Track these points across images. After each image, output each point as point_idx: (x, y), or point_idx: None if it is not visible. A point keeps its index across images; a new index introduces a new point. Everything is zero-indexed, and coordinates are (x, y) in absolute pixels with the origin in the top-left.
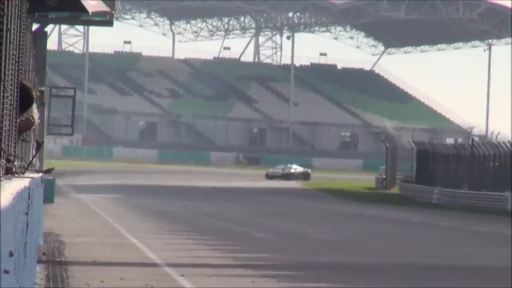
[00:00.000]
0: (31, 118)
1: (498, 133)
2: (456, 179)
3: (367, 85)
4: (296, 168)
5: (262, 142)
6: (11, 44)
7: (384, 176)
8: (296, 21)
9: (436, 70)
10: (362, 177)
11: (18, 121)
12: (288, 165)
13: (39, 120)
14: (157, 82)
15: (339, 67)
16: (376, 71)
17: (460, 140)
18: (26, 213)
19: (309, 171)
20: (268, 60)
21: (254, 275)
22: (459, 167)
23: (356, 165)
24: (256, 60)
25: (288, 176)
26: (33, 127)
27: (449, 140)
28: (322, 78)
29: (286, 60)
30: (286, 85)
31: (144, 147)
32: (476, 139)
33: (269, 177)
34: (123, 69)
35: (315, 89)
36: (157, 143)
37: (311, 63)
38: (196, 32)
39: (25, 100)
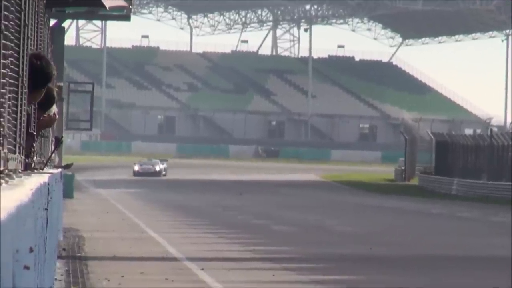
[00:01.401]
0: (52, 115)
1: None
2: (475, 169)
3: (385, 77)
4: (159, 163)
5: (280, 135)
6: (29, 40)
7: (403, 168)
8: (313, 14)
9: (454, 61)
10: (381, 169)
11: (38, 118)
12: (153, 160)
13: (57, 116)
14: (175, 76)
15: (357, 59)
16: (394, 63)
17: (478, 130)
18: (46, 209)
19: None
20: (286, 53)
21: (274, 268)
22: (478, 158)
23: (375, 157)
24: (274, 53)
25: (157, 174)
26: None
27: (468, 131)
28: (340, 70)
29: (304, 53)
30: (304, 78)
31: (163, 141)
32: (495, 129)
33: (139, 174)
34: (141, 63)
35: (333, 81)
36: (175, 137)
37: (328, 56)
38: (214, 26)
39: (46, 98)
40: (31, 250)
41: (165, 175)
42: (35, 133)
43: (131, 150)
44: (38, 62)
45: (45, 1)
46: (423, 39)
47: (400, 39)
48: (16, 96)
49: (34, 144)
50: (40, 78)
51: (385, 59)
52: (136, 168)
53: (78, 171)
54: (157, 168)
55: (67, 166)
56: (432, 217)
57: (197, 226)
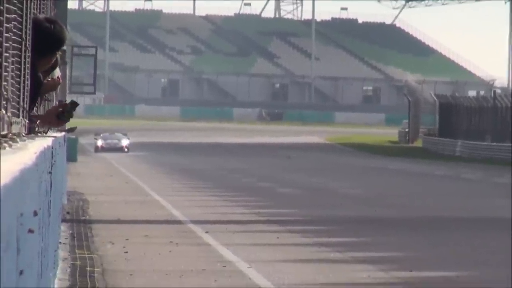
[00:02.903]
0: (56, 78)
1: None
2: (479, 131)
3: (389, 39)
4: (124, 138)
5: (284, 97)
6: (32, 3)
7: (407, 130)
8: None
9: (457, 22)
10: (385, 131)
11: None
12: (117, 134)
13: (61, 80)
14: (179, 39)
15: (360, 21)
16: (397, 25)
17: (482, 92)
18: (50, 172)
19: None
20: (289, 16)
21: (278, 231)
22: (482, 120)
23: (378, 119)
24: (277, 15)
25: (122, 149)
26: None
27: (471, 93)
28: (343, 32)
29: (307, 15)
30: (307, 40)
31: (167, 105)
32: (498, 91)
33: (103, 149)
34: (144, 26)
35: (336, 43)
36: (179, 100)
37: (332, 18)
38: None
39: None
40: (35, 213)
41: (127, 151)
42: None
43: (134, 114)
44: (51, 26)
45: None
46: (427, 1)
47: (403, 1)
48: (19, 60)
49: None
50: (52, 43)
51: (388, 21)
52: (100, 143)
53: (82, 134)
54: (123, 143)
55: (71, 130)
56: (436, 179)
57: (202, 189)
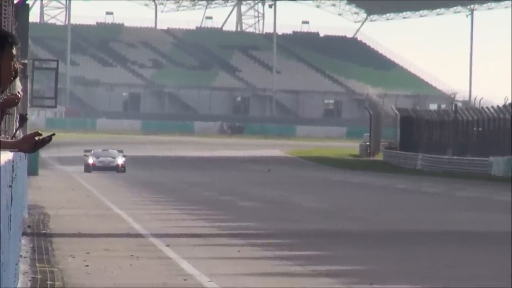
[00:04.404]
0: (17, 93)
1: (481, 98)
2: (440, 145)
3: (350, 53)
4: (119, 155)
5: (245, 111)
6: None
7: (368, 143)
8: None
9: (418, 36)
10: (346, 145)
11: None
12: (110, 150)
13: (22, 93)
14: (140, 52)
15: (321, 34)
16: (359, 38)
17: (443, 106)
18: (10, 186)
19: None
20: (251, 29)
21: (239, 244)
22: (443, 133)
23: (340, 132)
24: (239, 29)
25: (117, 168)
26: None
27: (433, 106)
28: (304, 46)
29: (269, 29)
30: (269, 54)
31: (128, 118)
32: (459, 104)
33: (95, 168)
34: (105, 40)
35: (297, 57)
36: (140, 114)
37: (293, 31)
38: (178, 2)
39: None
40: None
41: (123, 171)
42: None
43: (96, 127)
44: None
45: None
46: (388, 14)
47: (365, 15)
48: None
49: None
50: None
51: (349, 35)
52: (91, 160)
53: (43, 148)
54: (118, 161)
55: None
56: (397, 192)
57: (163, 202)
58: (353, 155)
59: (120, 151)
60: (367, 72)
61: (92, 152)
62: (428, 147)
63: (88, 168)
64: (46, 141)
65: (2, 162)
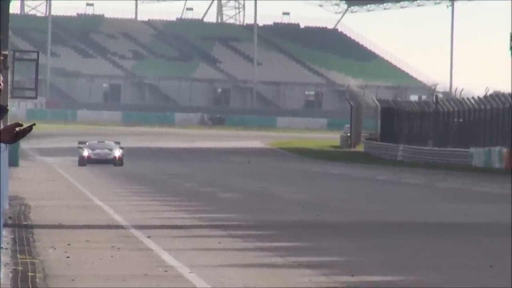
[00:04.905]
0: None
1: (462, 89)
2: (421, 136)
3: (331, 44)
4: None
5: (226, 102)
6: None
7: (348, 135)
8: None
9: (399, 27)
10: (327, 136)
11: None
12: (106, 142)
13: (2, 84)
14: (120, 44)
15: (302, 26)
16: (339, 30)
17: (424, 97)
18: None
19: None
20: (231, 20)
21: (220, 236)
22: (424, 124)
23: (320, 123)
24: (219, 20)
25: (114, 161)
26: None
27: (413, 97)
28: (285, 37)
29: (249, 20)
30: (249, 45)
31: (108, 109)
32: (440, 95)
33: (91, 161)
34: (86, 31)
35: (278, 48)
36: (121, 105)
37: (274, 23)
38: None
39: None
40: None
41: (121, 164)
42: None
43: (77, 118)
44: None
45: None
46: (368, 5)
47: (345, 6)
48: None
49: None
50: None
51: (330, 26)
52: (86, 153)
53: (24, 139)
54: (116, 153)
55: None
56: (378, 183)
57: (144, 194)
58: (334, 146)
59: (117, 143)
60: (347, 64)
61: (87, 144)
62: (409, 138)
63: (83, 161)
64: (27, 131)
65: None
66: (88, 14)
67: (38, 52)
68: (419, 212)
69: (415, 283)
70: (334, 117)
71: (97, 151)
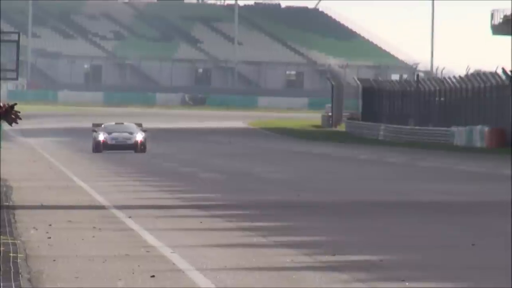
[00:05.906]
0: None
1: (443, 68)
2: (402, 115)
3: (311, 23)
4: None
5: (207, 82)
6: None
7: (330, 114)
8: None
9: (380, 7)
10: (308, 116)
11: None
12: (126, 124)
13: None
14: (101, 24)
15: (283, 5)
16: (320, 9)
17: (405, 76)
18: None
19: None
20: (212, 1)
21: (201, 216)
22: (405, 103)
23: (302, 103)
24: (200, 0)
25: (133, 148)
26: None
27: (395, 77)
28: (266, 17)
29: (230, 0)
30: (230, 25)
31: (90, 90)
32: (421, 74)
33: (107, 147)
34: (66, 12)
35: (259, 28)
36: (102, 86)
37: (255, 3)
38: None
39: None
40: None
41: (143, 150)
42: None
43: (58, 99)
44: None
45: None
46: None
47: None
48: None
49: None
50: None
51: (311, 5)
52: (101, 137)
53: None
54: (137, 137)
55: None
56: (359, 163)
57: (125, 174)
58: (315, 126)
59: (139, 125)
60: (328, 43)
61: (102, 126)
62: (390, 118)
63: (99, 147)
64: (9, 111)
65: None
66: None
67: (19, 33)
68: (400, 191)
69: (396, 262)
70: (315, 96)
71: (115, 134)
